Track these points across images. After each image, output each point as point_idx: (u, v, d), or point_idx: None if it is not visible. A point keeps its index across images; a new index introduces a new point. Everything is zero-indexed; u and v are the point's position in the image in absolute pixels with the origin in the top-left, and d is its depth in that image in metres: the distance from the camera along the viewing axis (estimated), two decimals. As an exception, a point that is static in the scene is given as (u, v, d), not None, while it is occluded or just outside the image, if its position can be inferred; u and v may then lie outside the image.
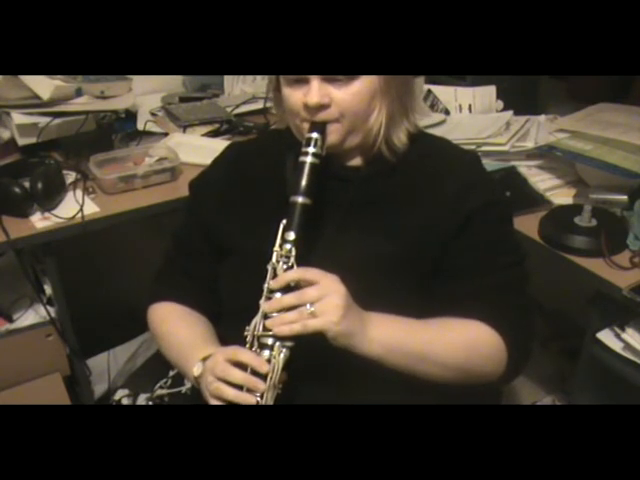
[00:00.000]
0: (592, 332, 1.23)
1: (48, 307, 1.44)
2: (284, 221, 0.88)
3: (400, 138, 0.96)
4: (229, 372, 0.84)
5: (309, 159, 0.89)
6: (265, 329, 0.85)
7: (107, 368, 1.79)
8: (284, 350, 0.84)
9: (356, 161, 0.99)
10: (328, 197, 0.95)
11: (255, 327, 0.86)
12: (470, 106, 1.73)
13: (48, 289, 1.46)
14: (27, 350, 1.44)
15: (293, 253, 0.87)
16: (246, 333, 0.87)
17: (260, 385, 0.82)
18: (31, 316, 1.46)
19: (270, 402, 0.84)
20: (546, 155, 1.47)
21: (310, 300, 0.82)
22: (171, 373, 1.73)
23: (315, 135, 0.90)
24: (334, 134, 0.92)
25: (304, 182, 0.89)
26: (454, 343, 0.92)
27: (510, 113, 1.63)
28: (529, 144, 1.51)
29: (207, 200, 1.06)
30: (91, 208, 1.40)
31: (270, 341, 0.85)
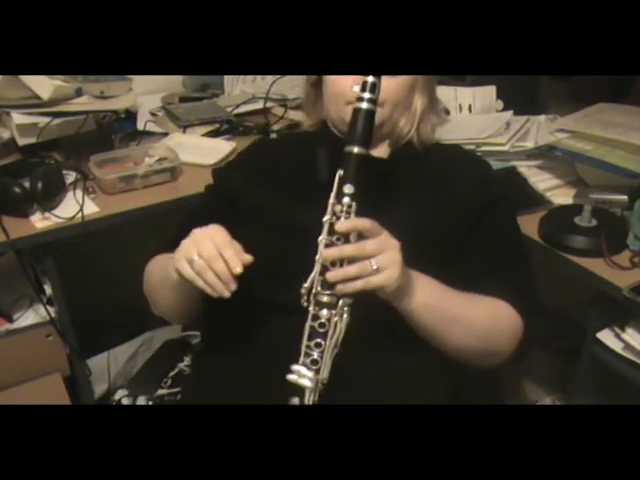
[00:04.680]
0: (592, 332, 1.22)
1: (48, 307, 1.44)
2: (340, 172, 0.82)
3: (428, 132, 1.04)
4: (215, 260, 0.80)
5: (365, 105, 0.82)
6: (323, 287, 0.82)
7: (107, 368, 1.79)
8: (346, 310, 0.82)
9: (383, 153, 1.04)
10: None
11: (313, 285, 0.82)
12: (470, 106, 1.72)
13: (48, 289, 1.46)
14: (27, 350, 1.44)
15: (354, 208, 0.82)
16: (303, 290, 0.83)
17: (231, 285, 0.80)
18: (31, 316, 1.46)
19: (328, 362, 0.82)
20: (546, 155, 1.47)
21: (371, 253, 0.80)
22: (171, 373, 1.73)
23: (371, 79, 0.82)
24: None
25: (360, 129, 0.82)
26: (483, 314, 0.95)
27: (510, 113, 1.63)
28: (529, 144, 1.51)
29: (234, 179, 1.07)
30: (91, 208, 1.40)
31: (327, 299, 0.81)
